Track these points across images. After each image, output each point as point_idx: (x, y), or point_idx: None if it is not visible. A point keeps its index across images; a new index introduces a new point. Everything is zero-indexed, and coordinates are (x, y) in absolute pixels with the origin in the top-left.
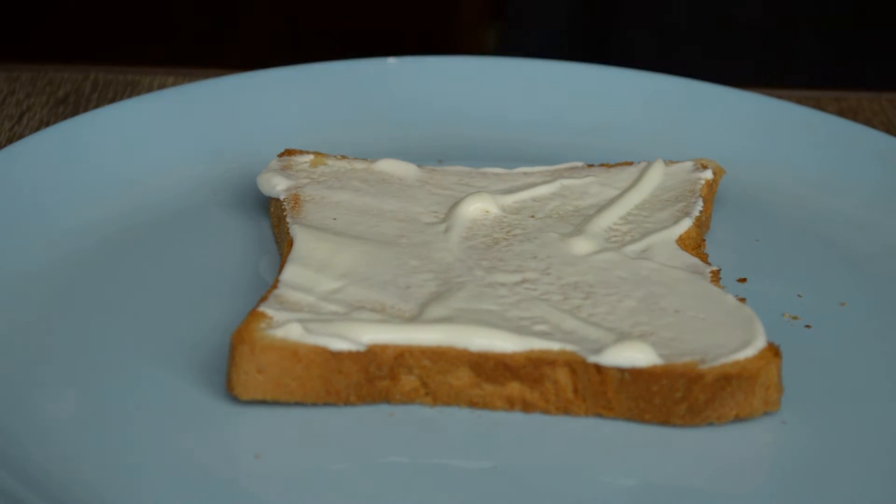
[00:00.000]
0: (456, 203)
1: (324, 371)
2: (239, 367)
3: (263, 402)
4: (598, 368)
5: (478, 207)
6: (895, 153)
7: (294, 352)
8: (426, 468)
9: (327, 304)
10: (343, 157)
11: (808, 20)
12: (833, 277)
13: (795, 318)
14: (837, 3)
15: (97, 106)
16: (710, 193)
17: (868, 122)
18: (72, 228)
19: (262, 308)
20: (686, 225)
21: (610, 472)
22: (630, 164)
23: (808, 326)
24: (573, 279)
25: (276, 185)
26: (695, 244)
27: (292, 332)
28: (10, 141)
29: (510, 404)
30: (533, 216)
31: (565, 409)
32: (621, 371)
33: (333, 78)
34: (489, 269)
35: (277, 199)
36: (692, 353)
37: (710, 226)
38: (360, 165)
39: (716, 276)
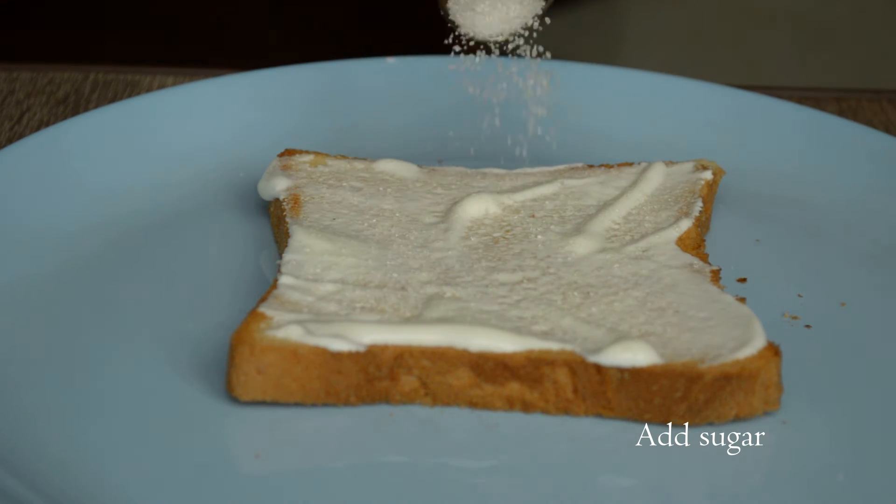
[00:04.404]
0: (456, 203)
1: (323, 372)
2: (239, 368)
3: (263, 403)
4: (598, 368)
5: (478, 207)
6: (895, 153)
7: (294, 352)
8: (426, 468)
9: (327, 304)
10: (343, 157)
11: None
12: (833, 277)
13: (795, 318)
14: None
15: (97, 106)
16: (710, 194)
17: (868, 122)
18: (71, 229)
19: (262, 309)
20: (686, 225)
21: (610, 472)
22: (630, 164)
23: (808, 326)
24: (573, 279)
25: (276, 185)
26: (695, 244)
27: (292, 332)
28: (10, 141)
29: (510, 404)
30: (533, 216)
31: (565, 409)
32: (621, 371)
33: (333, 78)
34: (489, 268)
35: (277, 199)
36: (692, 353)
37: (710, 226)
38: (360, 165)
39: (716, 276)
